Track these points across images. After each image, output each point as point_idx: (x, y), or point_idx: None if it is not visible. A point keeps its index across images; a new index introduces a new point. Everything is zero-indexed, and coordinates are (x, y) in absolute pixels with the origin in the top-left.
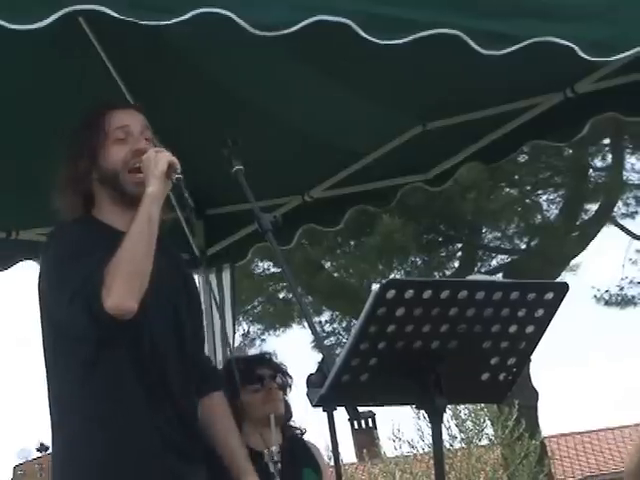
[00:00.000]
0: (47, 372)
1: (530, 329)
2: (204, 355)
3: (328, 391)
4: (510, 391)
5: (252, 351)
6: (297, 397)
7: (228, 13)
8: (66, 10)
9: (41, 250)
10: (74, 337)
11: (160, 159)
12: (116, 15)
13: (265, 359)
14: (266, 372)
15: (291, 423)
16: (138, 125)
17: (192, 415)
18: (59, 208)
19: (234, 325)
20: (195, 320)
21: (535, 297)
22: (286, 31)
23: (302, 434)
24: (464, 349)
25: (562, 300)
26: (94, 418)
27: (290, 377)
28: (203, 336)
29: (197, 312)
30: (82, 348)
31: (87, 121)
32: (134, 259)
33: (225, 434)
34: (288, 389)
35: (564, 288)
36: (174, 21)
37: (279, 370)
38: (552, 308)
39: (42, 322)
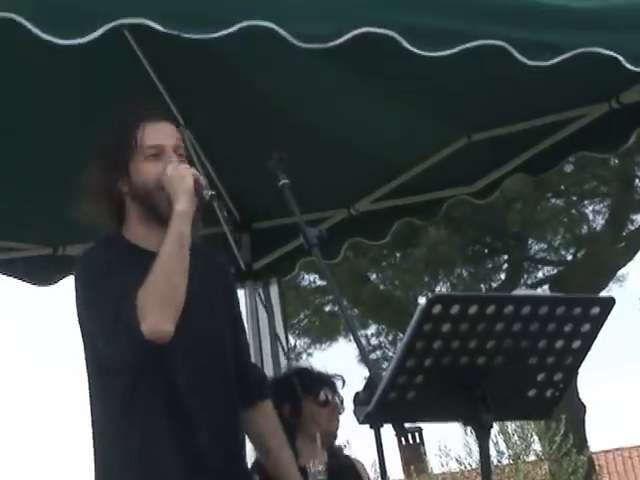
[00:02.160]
0: (90, 399)
1: (577, 344)
2: (251, 364)
3: (375, 409)
4: (557, 407)
5: (300, 364)
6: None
7: (273, 25)
8: (112, 24)
9: (74, 275)
10: (113, 368)
11: (185, 176)
12: (162, 29)
13: (330, 379)
14: (331, 391)
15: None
16: (171, 141)
17: (232, 437)
18: (88, 219)
19: (287, 339)
20: (236, 328)
21: (581, 312)
22: (331, 44)
23: (343, 449)
24: (510, 365)
25: (608, 314)
26: (131, 450)
27: (344, 408)
28: (247, 344)
29: (238, 321)
30: (120, 377)
31: (119, 133)
32: (167, 280)
33: (278, 448)
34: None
35: (610, 302)
36: (219, 34)
37: (339, 395)
38: (598, 323)
39: (85, 350)
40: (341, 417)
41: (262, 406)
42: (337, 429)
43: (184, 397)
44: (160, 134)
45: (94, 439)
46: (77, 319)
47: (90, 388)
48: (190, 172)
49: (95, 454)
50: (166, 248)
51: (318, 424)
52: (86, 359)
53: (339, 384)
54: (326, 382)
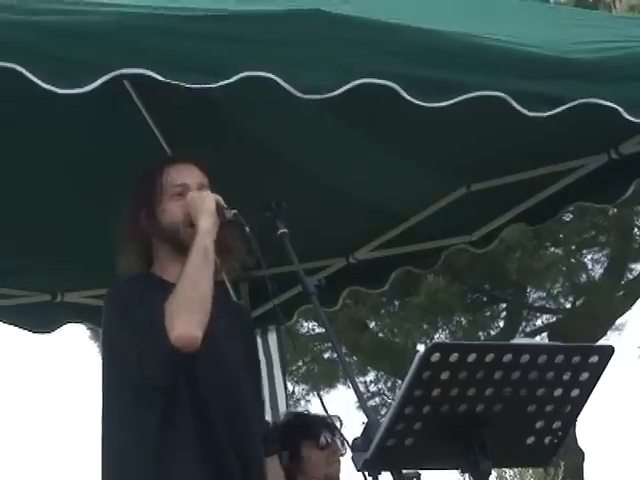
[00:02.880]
0: (105, 428)
1: (575, 392)
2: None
3: (373, 456)
4: (555, 455)
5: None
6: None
7: (272, 76)
8: (113, 74)
9: (104, 304)
10: (145, 386)
11: (206, 197)
12: (162, 79)
13: (330, 422)
14: (329, 434)
15: None
16: (196, 181)
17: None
18: (119, 265)
19: (285, 387)
20: (256, 380)
21: (580, 360)
22: (330, 94)
23: None
24: (509, 413)
25: (607, 363)
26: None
27: (346, 447)
28: (262, 398)
29: (257, 372)
30: (153, 404)
31: (146, 176)
32: (194, 289)
33: None
34: (342, 455)
35: (609, 351)
36: (219, 84)
37: (340, 436)
38: (597, 371)
39: (103, 374)
40: (342, 459)
41: (268, 461)
42: (338, 471)
43: (216, 426)
44: (185, 173)
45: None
46: (103, 346)
47: (109, 417)
48: (210, 194)
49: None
50: (192, 260)
51: (318, 468)
52: (109, 386)
53: (337, 424)
54: (324, 424)
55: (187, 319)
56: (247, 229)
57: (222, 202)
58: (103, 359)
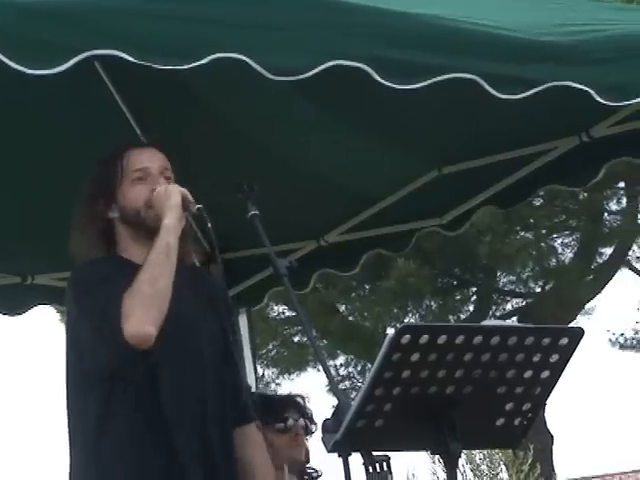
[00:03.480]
0: (68, 414)
1: (545, 374)
2: (240, 383)
3: (343, 437)
4: (525, 437)
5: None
6: (313, 439)
7: (244, 57)
8: (84, 55)
9: (66, 289)
10: (94, 377)
11: (172, 192)
12: (133, 60)
13: (294, 401)
14: (294, 415)
15: (307, 467)
16: (157, 164)
17: (224, 450)
18: (78, 249)
19: (255, 370)
20: (226, 348)
21: (550, 342)
22: (302, 76)
23: (318, 477)
24: (479, 394)
25: (577, 345)
26: (112, 462)
27: (315, 423)
28: (236, 364)
29: (227, 340)
30: (98, 386)
31: (105, 161)
32: (151, 285)
33: (263, 475)
34: (310, 435)
35: (579, 333)
36: (190, 66)
37: (306, 415)
38: (567, 353)
39: (67, 360)
40: (310, 438)
41: (248, 428)
42: (303, 454)
43: (166, 413)
44: (145, 157)
45: (71, 454)
46: (65, 328)
47: (68, 400)
48: (177, 189)
49: (71, 469)
50: (152, 256)
51: (282, 452)
52: (67, 369)
53: (302, 403)
54: (288, 406)
55: (142, 315)
56: (209, 225)
57: (189, 196)
58: (65, 342)
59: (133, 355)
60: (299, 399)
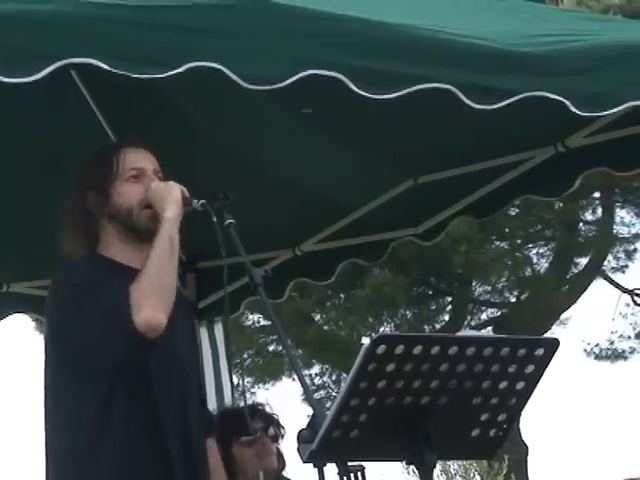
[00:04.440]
0: (49, 421)
1: (520, 385)
2: (204, 395)
3: (318, 447)
4: (500, 447)
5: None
6: (289, 448)
7: (220, 67)
8: (60, 63)
9: (50, 291)
10: (91, 376)
11: (172, 187)
12: (109, 68)
13: (257, 410)
14: (259, 425)
15: (284, 474)
16: (151, 166)
17: (202, 452)
18: (64, 247)
19: (231, 378)
20: (198, 367)
21: (526, 353)
22: (277, 85)
23: None
24: (454, 405)
25: (553, 356)
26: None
27: (282, 427)
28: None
29: (198, 360)
30: (99, 385)
31: (99, 157)
32: (160, 276)
33: None
34: (281, 439)
35: (555, 344)
36: (167, 75)
37: (271, 421)
38: (543, 364)
39: (47, 368)
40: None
41: (208, 443)
42: (275, 462)
43: (160, 414)
44: (141, 157)
45: (51, 457)
46: (51, 334)
47: (51, 403)
48: (177, 185)
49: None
50: (158, 248)
51: (252, 465)
52: (52, 375)
53: (264, 411)
54: (255, 417)
55: (154, 304)
56: (215, 219)
57: (186, 193)
58: (48, 347)
59: (142, 347)
60: (260, 407)
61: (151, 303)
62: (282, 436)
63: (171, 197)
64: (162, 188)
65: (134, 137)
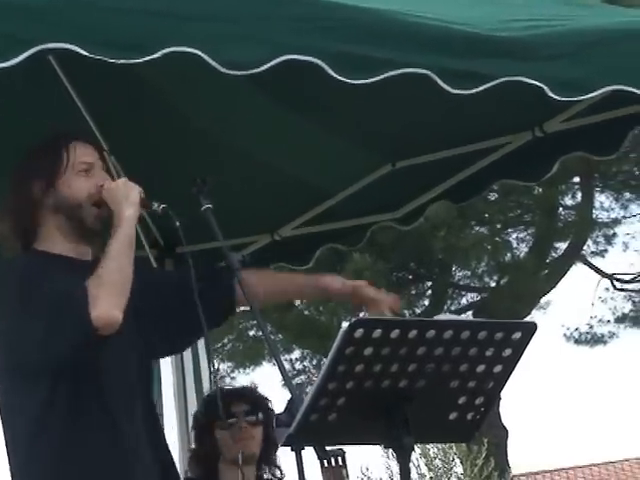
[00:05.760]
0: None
1: (498, 368)
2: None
3: (296, 431)
4: (478, 431)
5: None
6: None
7: (198, 52)
8: (37, 48)
9: None
10: (37, 371)
11: (132, 189)
12: (86, 54)
13: (242, 393)
14: (241, 408)
15: (274, 459)
16: (100, 162)
17: (157, 439)
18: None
19: (210, 363)
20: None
21: (503, 336)
22: (255, 70)
23: (280, 478)
24: (432, 388)
25: (530, 340)
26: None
27: (271, 411)
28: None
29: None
30: (42, 379)
31: (48, 147)
32: (119, 272)
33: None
34: (271, 423)
35: (532, 328)
36: (144, 59)
37: (257, 405)
38: (520, 348)
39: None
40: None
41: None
42: (250, 448)
43: (109, 403)
44: (90, 152)
45: (10, 455)
46: None
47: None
48: (136, 187)
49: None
50: (116, 245)
51: (227, 448)
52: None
53: (249, 394)
54: (231, 401)
55: (111, 300)
56: (177, 224)
57: (143, 194)
58: None
59: (93, 343)
60: (246, 390)
61: (109, 299)
62: (269, 420)
63: (131, 197)
64: (121, 188)
65: (82, 130)
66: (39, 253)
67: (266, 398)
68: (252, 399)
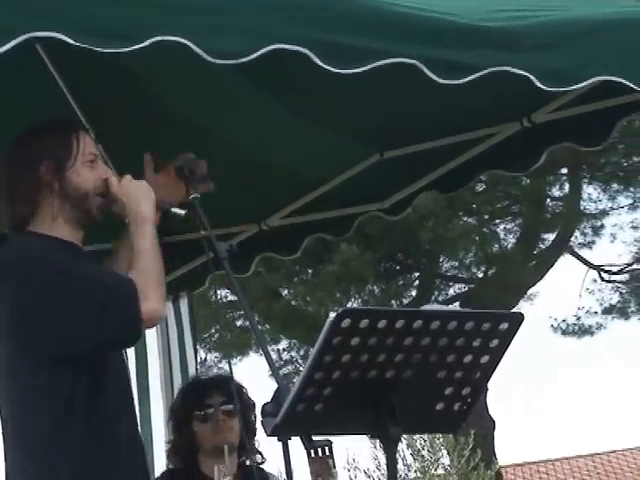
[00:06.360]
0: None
1: (485, 359)
2: None
3: (282, 421)
4: (464, 421)
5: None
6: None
7: (185, 41)
8: (23, 37)
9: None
10: (68, 355)
11: (149, 189)
12: (73, 42)
13: (217, 384)
14: (217, 399)
15: (254, 445)
16: (99, 155)
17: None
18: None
19: (195, 354)
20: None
21: (490, 327)
22: (242, 60)
23: (261, 463)
24: (419, 379)
25: (517, 330)
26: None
27: (249, 398)
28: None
29: None
30: (64, 369)
31: (60, 131)
32: (159, 268)
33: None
34: (250, 411)
35: (519, 318)
36: (131, 49)
37: (232, 394)
38: (507, 338)
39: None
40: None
41: None
42: (229, 439)
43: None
44: (93, 143)
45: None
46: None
47: (7, 388)
48: (149, 187)
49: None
50: (147, 245)
51: (206, 440)
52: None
53: (226, 384)
54: (208, 392)
55: (158, 296)
56: (203, 231)
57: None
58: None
59: (137, 338)
60: (221, 380)
61: (156, 295)
62: (245, 409)
63: (151, 196)
64: (144, 186)
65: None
66: (42, 236)
67: (241, 385)
68: (227, 389)
